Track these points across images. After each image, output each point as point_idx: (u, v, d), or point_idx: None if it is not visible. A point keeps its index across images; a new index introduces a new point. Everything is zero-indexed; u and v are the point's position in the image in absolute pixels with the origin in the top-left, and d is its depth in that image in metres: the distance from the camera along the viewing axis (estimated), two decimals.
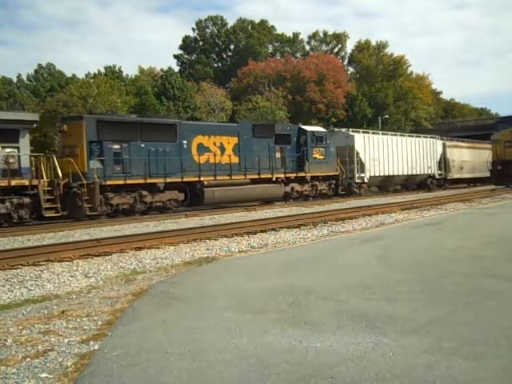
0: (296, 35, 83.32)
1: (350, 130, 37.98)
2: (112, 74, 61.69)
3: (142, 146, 23.93)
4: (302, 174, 31.31)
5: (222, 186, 26.54)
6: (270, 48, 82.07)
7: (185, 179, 25.23)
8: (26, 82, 65.09)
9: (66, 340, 5.67)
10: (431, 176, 44.43)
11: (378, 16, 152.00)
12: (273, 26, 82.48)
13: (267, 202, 30.47)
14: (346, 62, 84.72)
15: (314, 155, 32.08)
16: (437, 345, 4.90)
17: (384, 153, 38.45)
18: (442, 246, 11.31)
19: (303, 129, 32.35)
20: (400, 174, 40.19)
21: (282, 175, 30.03)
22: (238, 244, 13.67)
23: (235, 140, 27.89)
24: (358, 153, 36.03)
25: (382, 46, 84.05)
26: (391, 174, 39.23)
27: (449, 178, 46.55)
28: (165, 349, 5.13)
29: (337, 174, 33.78)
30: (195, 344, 5.25)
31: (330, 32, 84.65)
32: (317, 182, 32.43)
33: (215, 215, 23.21)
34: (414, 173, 42.01)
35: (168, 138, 25.03)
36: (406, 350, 4.81)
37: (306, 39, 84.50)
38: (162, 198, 24.63)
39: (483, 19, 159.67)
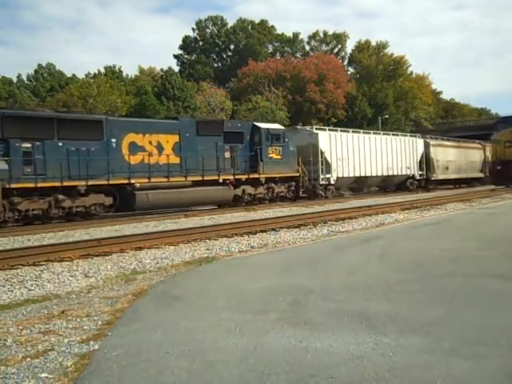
0: (296, 35, 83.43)
1: (315, 127, 35.40)
2: (112, 74, 61.82)
3: (60, 144, 21.51)
4: (256, 176, 28.52)
5: (157, 188, 24.20)
6: (270, 48, 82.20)
7: (112, 181, 22.74)
8: (26, 82, 65.10)
9: (66, 340, 5.67)
10: (411, 177, 41.86)
11: (377, 16, 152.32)
12: (273, 26, 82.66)
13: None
14: (346, 62, 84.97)
15: (270, 155, 29.39)
16: (437, 345, 4.89)
17: (355, 152, 35.73)
18: (442, 246, 11.30)
19: (257, 126, 29.64)
20: (374, 174, 37.54)
21: (231, 177, 27.31)
22: (237, 244, 13.67)
23: (175, 138, 25.43)
24: (322, 152, 33.06)
25: (382, 46, 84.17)
26: (364, 174, 36.55)
27: (433, 178, 44.08)
28: (165, 349, 5.12)
29: (297, 175, 30.88)
30: (195, 344, 5.25)
31: (330, 32, 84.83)
32: (273, 184, 29.64)
33: (215, 215, 23.21)
34: (391, 173, 39.36)
35: (93, 135, 22.59)
36: (406, 349, 4.81)
37: (305, 39, 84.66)
38: (85, 203, 22.18)
39: (483, 19, 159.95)
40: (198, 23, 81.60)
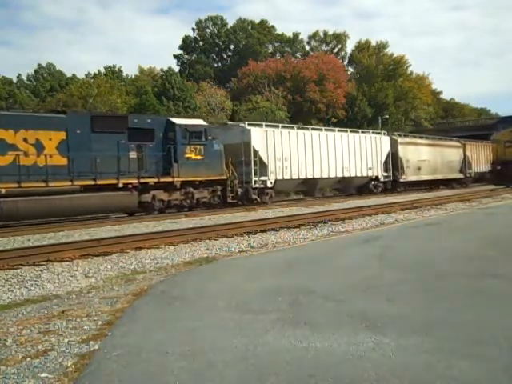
0: (296, 35, 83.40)
1: (246, 123, 30.64)
2: (112, 74, 61.85)
3: None
4: (169, 179, 24.58)
5: (31, 195, 19.97)
6: (270, 48, 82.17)
7: None
8: (26, 82, 65.11)
9: (66, 340, 5.67)
10: (374, 178, 37.67)
11: (377, 16, 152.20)
12: (273, 26, 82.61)
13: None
14: (346, 62, 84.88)
15: (188, 155, 25.34)
16: (437, 345, 4.90)
17: (301, 151, 31.58)
18: (442, 246, 11.32)
19: (172, 122, 25.43)
20: (326, 176, 33.41)
21: (135, 180, 23.26)
22: (237, 244, 13.67)
23: (62, 135, 21.41)
24: (256, 151, 28.82)
25: (382, 46, 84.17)
26: (313, 176, 32.40)
27: (402, 180, 39.97)
28: (165, 349, 5.12)
29: (223, 178, 26.67)
30: (195, 344, 5.25)
31: (330, 32, 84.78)
32: (192, 189, 25.50)
33: (215, 215, 23.20)
34: (348, 175, 35.23)
35: None
36: (406, 349, 4.81)
37: (305, 39, 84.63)
38: None
39: (482, 19, 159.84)
40: (198, 23, 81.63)
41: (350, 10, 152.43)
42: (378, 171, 37.75)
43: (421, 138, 46.22)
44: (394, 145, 39.45)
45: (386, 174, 38.45)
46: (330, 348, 4.95)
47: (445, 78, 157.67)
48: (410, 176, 40.94)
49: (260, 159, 28.99)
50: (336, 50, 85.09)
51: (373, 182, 37.52)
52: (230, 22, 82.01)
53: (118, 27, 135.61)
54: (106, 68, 63.35)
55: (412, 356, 4.65)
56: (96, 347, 5.34)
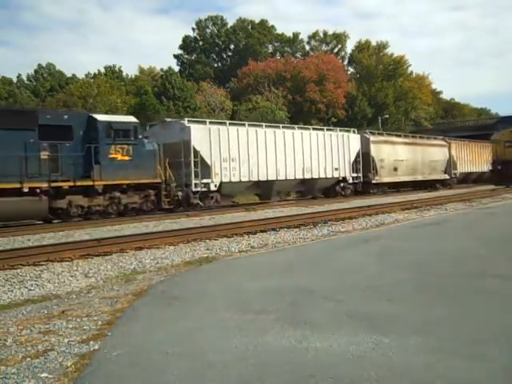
0: (296, 35, 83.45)
1: (186, 119, 27.67)
2: (112, 73, 61.87)
3: None
4: (89, 183, 21.84)
5: None
6: (270, 48, 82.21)
7: None
8: (26, 82, 65.11)
9: (66, 340, 5.67)
10: (342, 180, 34.81)
11: (377, 17, 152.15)
12: (273, 26, 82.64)
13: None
14: (346, 62, 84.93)
15: (112, 155, 22.56)
16: (437, 345, 4.89)
17: (252, 151, 28.67)
18: (442, 246, 11.32)
19: (94, 118, 22.79)
20: (283, 178, 30.48)
21: (45, 184, 20.44)
22: (238, 244, 13.67)
23: None
24: (197, 151, 26.11)
25: (382, 46, 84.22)
26: (267, 178, 29.47)
27: (374, 182, 37.18)
28: (165, 349, 5.12)
29: (157, 181, 24.03)
30: (195, 344, 5.25)
31: (330, 32, 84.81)
32: (118, 194, 22.78)
33: (215, 215, 23.20)
34: (310, 176, 32.29)
35: None
36: (406, 349, 4.81)
37: (305, 39, 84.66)
38: None
39: (482, 20, 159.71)
40: (198, 23, 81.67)
41: (349, 10, 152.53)
42: (345, 172, 34.95)
43: (398, 136, 43.85)
44: (365, 143, 36.87)
45: (355, 175, 35.78)
46: (330, 348, 4.95)
47: (445, 78, 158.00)
48: (384, 177, 38.23)
49: (202, 160, 26.37)
50: (336, 50, 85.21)
51: (342, 184, 34.89)
52: (230, 22, 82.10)
53: (118, 27, 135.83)
54: (106, 68, 63.40)
55: (412, 356, 4.65)
56: (96, 347, 5.33)
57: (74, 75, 62.73)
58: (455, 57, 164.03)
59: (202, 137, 26.65)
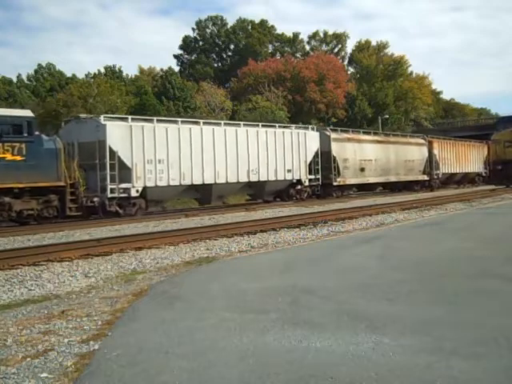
0: (296, 35, 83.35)
1: (102, 116, 24.36)
2: (112, 74, 61.76)
3: None
4: None
5: None
6: (270, 48, 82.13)
7: None
8: (25, 81, 65.06)
9: (66, 340, 5.67)
10: (296, 182, 31.41)
11: (377, 17, 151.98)
12: (273, 26, 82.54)
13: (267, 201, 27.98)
14: (346, 62, 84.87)
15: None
16: (437, 345, 4.89)
17: (185, 151, 25.45)
18: (442, 246, 11.32)
19: None
20: (224, 181, 27.08)
21: None
22: (238, 244, 13.67)
23: None
24: (114, 152, 22.97)
25: (382, 47, 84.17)
26: (203, 182, 26.20)
27: (336, 184, 33.76)
28: (165, 349, 5.12)
29: (60, 184, 21.00)
30: (195, 344, 5.25)
31: (331, 32, 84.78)
32: (8, 199, 19.72)
33: (215, 215, 23.21)
34: (257, 179, 28.83)
35: None
36: (406, 349, 4.81)
37: (306, 39, 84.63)
38: None
39: (482, 20, 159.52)
40: (198, 23, 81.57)
41: (350, 11, 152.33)
42: (301, 174, 31.38)
43: (367, 133, 40.35)
44: (325, 142, 33.53)
45: (312, 177, 32.18)
46: (330, 348, 4.95)
47: (445, 79, 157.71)
48: (349, 178, 35.04)
49: (120, 162, 23.17)
50: (336, 49, 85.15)
51: (298, 187, 31.51)
52: (230, 23, 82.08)
53: (118, 28, 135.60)
54: (105, 68, 63.28)
55: (412, 356, 4.65)
56: (96, 347, 5.33)
57: (73, 75, 62.62)
58: (455, 57, 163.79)
59: (122, 136, 23.45)
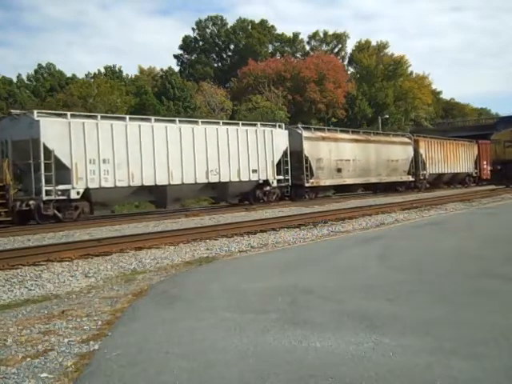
0: (296, 35, 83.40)
1: (36, 111, 22.52)
2: (112, 74, 61.81)
3: None
4: None
5: None
6: (270, 48, 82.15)
7: None
8: (26, 81, 65.04)
9: (66, 340, 5.67)
10: (263, 183, 29.78)
11: (376, 18, 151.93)
12: (273, 26, 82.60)
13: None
14: (346, 62, 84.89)
15: None
16: (437, 345, 4.89)
17: (133, 150, 23.83)
18: (442, 246, 11.31)
19: None
20: (179, 182, 25.46)
21: None
22: (238, 244, 13.67)
23: None
24: (49, 151, 21.51)
25: (382, 47, 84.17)
26: (156, 183, 24.67)
27: (308, 185, 32.06)
28: (165, 349, 5.12)
29: None
30: (195, 344, 5.24)
31: (331, 32, 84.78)
32: None
33: (215, 215, 23.21)
34: (217, 180, 27.19)
35: None
36: (406, 349, 4.80)
37: (306, 39, 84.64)
38: None
39: (481, 21, 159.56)
40: (198, 23, 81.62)
41: (349, 11, 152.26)
42: (267, 174, 29.70)
43: (344, 131, 38.32)
44: (296, 140, 31.82)
45: (281, 178, 30.57)
46: (330, 348, 4.95)
47: (445, 79, 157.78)
48: (323, 179, 33.25)
49: (58, 161, 21.66)
50: (336, 50, 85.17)
51: (265, 188, 29.90)
52: (230, 23, 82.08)
53: (118, 28, 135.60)
54: (105, 68, 63.31)
55: (412, 356, 4.64)
56: (96, 347, 5.33)
57: (74, 75, 62.69)
58: (455, 57, 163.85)
59: (59, 133, 21.85)
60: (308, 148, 32.41)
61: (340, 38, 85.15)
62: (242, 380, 4.31)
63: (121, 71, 65.03)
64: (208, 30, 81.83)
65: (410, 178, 41.43)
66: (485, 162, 50.24)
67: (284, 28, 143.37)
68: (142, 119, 26.11)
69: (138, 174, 23.94)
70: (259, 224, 17.28)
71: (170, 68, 63.32)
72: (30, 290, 9.09)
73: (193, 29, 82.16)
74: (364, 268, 9.06)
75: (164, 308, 6.86)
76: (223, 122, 29.27)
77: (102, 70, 62.68)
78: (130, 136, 23.81)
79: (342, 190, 37.00)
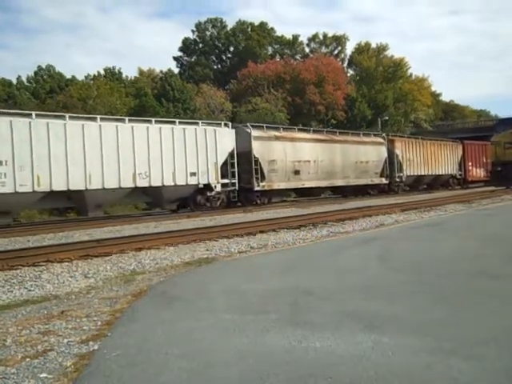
0: (296, 37, 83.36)
1: None
2: (112, 75, 61.82)
3: None
4: None
5: None
6: (270, 50, 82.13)
7: None
8: (25, 83, 65.01)
9: (65, 340, 5.66)
10: (205, 188, 26.87)
11: (376, 20, 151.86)
12: (272, 29, 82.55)
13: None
14: (345, 64, 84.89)
15: None
16: (436, 345, 4.88)
17: (42, 150, 21.17)
18: (441, 247, 11.32)
19: None
20: (101, 187, 22.63)
21: None
22: (237, 245, 13.66)
23: None
24: None
25: (381, 49, 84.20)
26: (69, 187, 21.71)
27: (259, 189, 29.25)
28: (164, 349, 5.12)
29: None
30: (195, 344, 5.24)
31: (330, 34, 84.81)
32: None
33: (215, 216, 23.21)
34: (147, 184, 24.37)
35: None
36: (406, 349, 4.80)
37: (305, 41, 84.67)
38: None
39: (480, 24, 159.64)
40: (198, 25, 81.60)
41: (349, 14, 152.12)
42: (209, 177, 26.83)
43: (304, 131, 35.74)
44: (245, 140, 29.03)
45: (226, 181, 27.88)
46: (330, 348, 4.95)
47: (444, 81, 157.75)
48: (277, 183, 30.51)
49: None
50: (336, 52, 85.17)
51: (209, 193, 27.20)
52: (230, 25, 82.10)
53: (118, 31, 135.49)
54: (105, 70, 63.27)
55: (412, 356, 4.65)
56: (95, 347, 5.33)
57: (73, 77, 62.64)
58: (455, 60, 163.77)
59: None
60: (258, 148, 29.67)
61: (339, 41, 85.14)
62: (242, 380, 4.31)
63: (120, 73, 64.99)
64: (208, 33, 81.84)
65: (384, 181, 39.04)
66: (470, 164, 49.20)
67: (283, 30, 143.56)
68: (54, 116, 23.20)
69: (45, 178, 21.12)
70: (259, 225, 17.28)
71: (169, 70, 63.32)
72: (30, 290, 9.09)
73: (192, 31, 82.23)
74: (364, 269, 9.06)
75: (163, 309, 6.85)
76: (156, 121, 26.21)
77: (102, 72, 62.70)
78: (34, 135, 21.03)
79: (304, 193, 34.66)
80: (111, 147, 23.08)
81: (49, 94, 56.64)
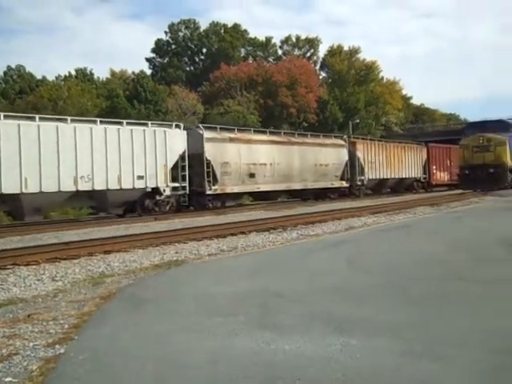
0: (269, 39, 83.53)
1: None
2: (83, 76, 61.30)
3: None
4: None
5: None
6: (243, 52, 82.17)
7: None
8: None
9: (31, 344, 5.58)
10: (154, 192, 25.57)
11: (348, 24, 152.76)
12: (245, 30, 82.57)
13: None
14: (318, 67, 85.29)
15: None
16: (405, 347, 4.92)
17: None
18: (410, 250, 11.42)
19: None
20: (38, 190, 21.17)
21: None
22: (207, 247, 13.61)
23: None
24: None
25: (354, 52, 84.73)
26: (2, 191, 20.37)
27: (210, 192, 28.20)
28: (132, 352, 5.08)
29: None
30: (163, 347, 5.21)
31: (303, 37, 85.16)
32: None
33: (184, 219, 23.11)
34: (90, 188, 23.04)
35: None
36: (374, 352, 4.83)
37: (278, 44, 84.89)
38: None
39: (450, 29, 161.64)
40: (171, 26, 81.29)
41: (321, 17, 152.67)
42: (157, 181, 25.61)
43: (260, 132, 34.60)
44: (197, 142, 27.99)
45: (176, 185, 26.70)
46: (299, 350, 4.95)
47: (415, 84, 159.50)
48: (230, 186, 29.51)
49: None
50: (308, 54, 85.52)
51: (158, 197, 25.85)
52: (203, 26, 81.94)
53: (90, 31, 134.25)
54: (76, 71, 62.71)
55: (380, 358, 4.67)
56: (62, 351, 5.26)
57: (44, 77, 61.95)
58: (425, 63, 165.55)
59: None
60: (210, 150, 28.48)
61: (312, 43, 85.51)
62: (210, 383, 4.30)
63: (92, 74, 64.54)
64: (181, 34, 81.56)
65: (344, 184, 37.88)
66: (434, 167, 49.11)
67: (257, 32, 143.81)
68: None
69: None
70: (229, 227, 17.25)
71: (141, 71, 63.00)
72: None
73: (165, 32, 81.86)
74: (333, 271, 9.09)
75: (132, 311, 6.80)
76: (101, 121, 24.85)
77: (73, 73, 62.13)
78: None
79: (260, 197, 33.81)
80: (50, 149, 21.72)
81: (18, 94, 55.90)
